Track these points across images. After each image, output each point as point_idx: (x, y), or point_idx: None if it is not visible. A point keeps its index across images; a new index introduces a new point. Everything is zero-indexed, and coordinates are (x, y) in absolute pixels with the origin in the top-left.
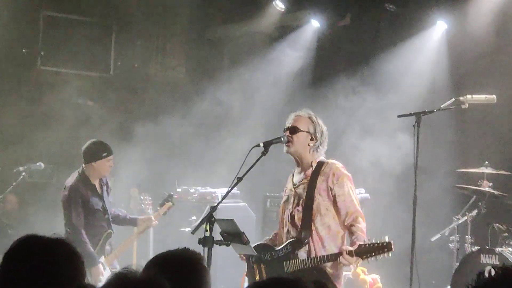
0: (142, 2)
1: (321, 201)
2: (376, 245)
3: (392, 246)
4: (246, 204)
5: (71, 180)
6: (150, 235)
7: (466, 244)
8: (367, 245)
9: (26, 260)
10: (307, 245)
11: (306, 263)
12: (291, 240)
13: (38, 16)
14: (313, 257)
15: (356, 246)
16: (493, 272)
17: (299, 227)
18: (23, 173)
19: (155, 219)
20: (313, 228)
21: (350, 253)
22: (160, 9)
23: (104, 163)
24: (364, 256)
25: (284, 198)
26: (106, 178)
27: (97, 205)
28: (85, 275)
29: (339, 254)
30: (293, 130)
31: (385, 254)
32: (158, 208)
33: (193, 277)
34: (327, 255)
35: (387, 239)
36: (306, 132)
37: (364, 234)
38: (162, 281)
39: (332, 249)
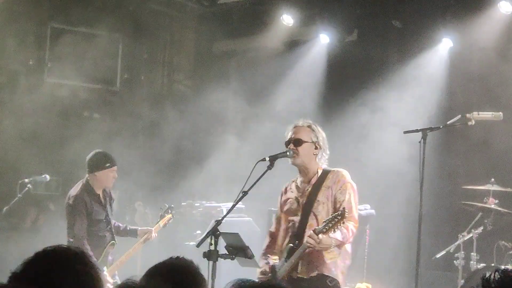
0: (149, 16)
1: (321, 208)
2: (332, 217)
3: (346, 213)
4: (251, 219)
5: (75, 189)
6: (155, 249)
7: (471, 261)
8: (325, 221)
9: (48, 270)
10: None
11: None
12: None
13: (45, 28)
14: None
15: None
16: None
17: (298, 234)
18: (28, 185)
19: (155, 231)
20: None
21: (314, 232)
22: (168, 23)
23: (107, 174)
24: (324, 230)
25: (287, 207)
26: (110, 190)
27: (100, 216)
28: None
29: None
30: (297, 142)
31: (341, 222)
32: (158, 220)
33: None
34: (299, 249)
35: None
36: (310, 142)
37: (348, 233)
38: None
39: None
